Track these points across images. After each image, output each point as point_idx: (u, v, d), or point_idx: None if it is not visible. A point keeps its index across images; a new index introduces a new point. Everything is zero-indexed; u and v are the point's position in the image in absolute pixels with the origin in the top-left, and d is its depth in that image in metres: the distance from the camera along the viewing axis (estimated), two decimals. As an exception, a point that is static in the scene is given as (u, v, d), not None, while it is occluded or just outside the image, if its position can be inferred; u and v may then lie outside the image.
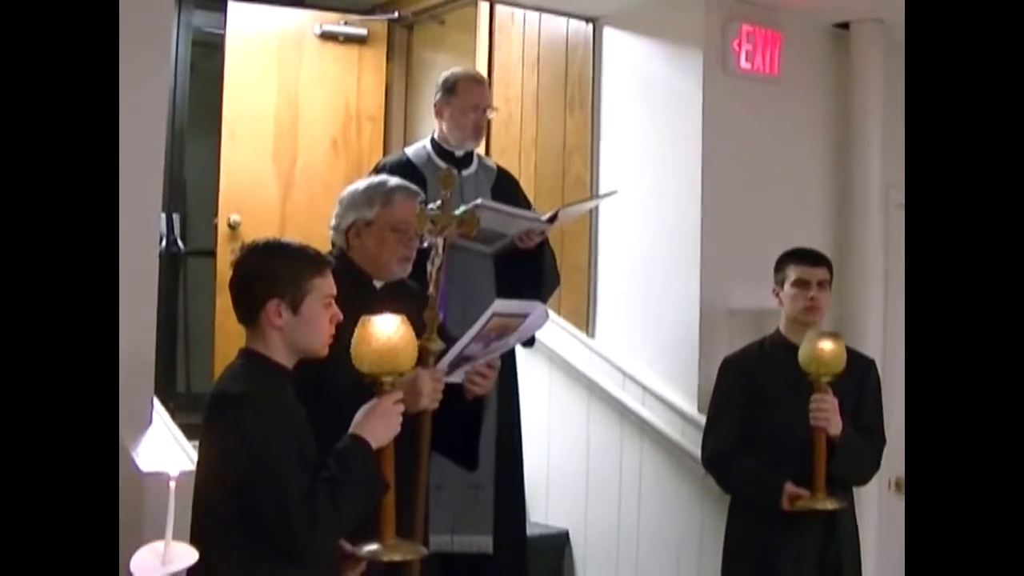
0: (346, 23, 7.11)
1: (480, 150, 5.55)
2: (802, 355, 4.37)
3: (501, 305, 3.58)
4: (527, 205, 5.13)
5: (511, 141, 6.43)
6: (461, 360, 3.65)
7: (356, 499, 3.10)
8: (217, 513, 3.07)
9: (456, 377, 3.71)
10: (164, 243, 6.50)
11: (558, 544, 5.93)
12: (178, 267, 6.94)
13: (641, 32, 5.86)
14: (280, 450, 3.01)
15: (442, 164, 4.90)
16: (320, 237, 4.15)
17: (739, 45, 5.59)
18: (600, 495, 5.82)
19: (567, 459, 5.98)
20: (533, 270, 4.93)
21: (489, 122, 5.30)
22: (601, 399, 5.82)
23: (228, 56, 6.83)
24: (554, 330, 5.81)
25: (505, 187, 5.08)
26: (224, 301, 3.89)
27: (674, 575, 5.46)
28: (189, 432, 4.39)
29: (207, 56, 7.13)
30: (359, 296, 3.55)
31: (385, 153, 6.75)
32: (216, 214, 6.83)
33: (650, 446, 5.58)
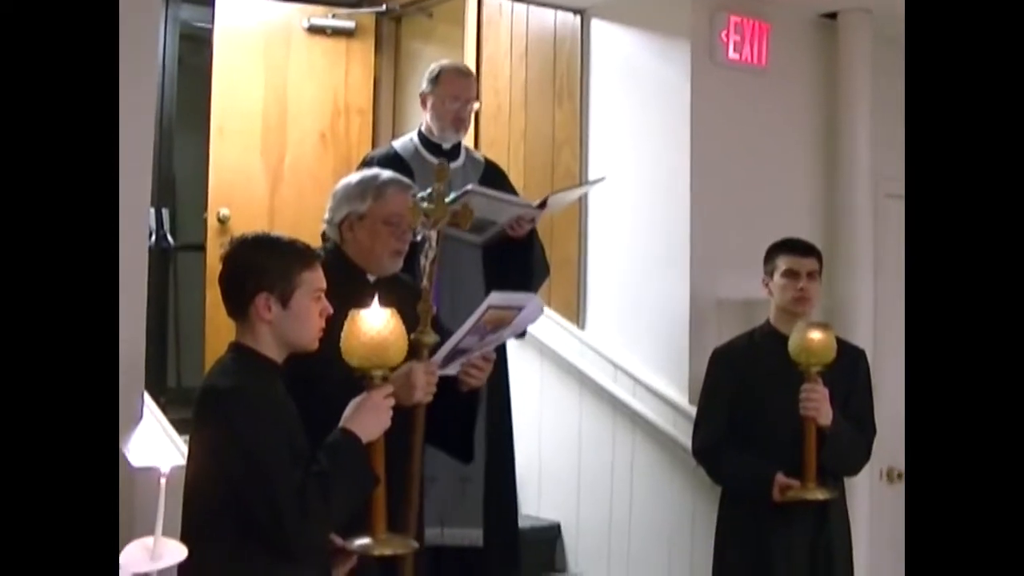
0: (334, 16, 7.10)
1: (469, 143, 5.55)
2: (792, 345, 4.38)
3: (497, 298, 3.57)
4: (516, 197, 5.13)
5: (500, 134, 6.42)
6: (456, 353, 3.65)
7: (346, 494, 3.10)
8: (208, 508, 3.07)
9: (451, 370, 3.71)
10: (154, 238, 6.51)
11: (550, 536, 5.93)
12: (168, 262, 6.94)
13: (629, 23, 5.86)
14: (270, 444, 3.01)
15: (429, 157, 4.91)
16: (309, 231, 4.14)
17: (727, 36, 5.59)
18: (592, 487, 5.83)
19: (558, 451, 5.99)
20: (523, 260, 4.92)
21: (477, 115, 5.29)
22: (592, 391, 5.83)
23: (216, 50, 6.82)
24: (545, 323, 5.81)
25: (493, 179, 5.08)
26: (214, 295, 3.89)
27: (666, 566, 5.47)
28: (180, 427, 4.39)
29: (195, 50, 7.12)
30: (353, 290, 3.54)
31: (374, 146, 6.74)
32: (205, 208, 6.82)
33: (642, 438, 5.59)
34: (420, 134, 5.06)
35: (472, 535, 4.86)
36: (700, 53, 5.57)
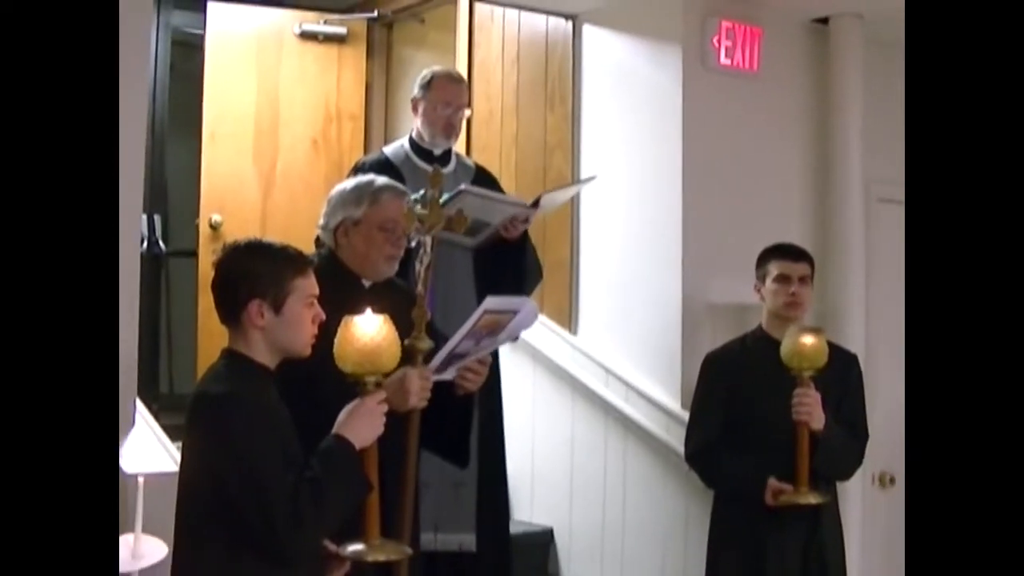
0: (326, 22, 7.11)
1: (461, 148, 5.55)
2: (784, 350, 4.38)
3: (493, 302, 3.58)
4: (507, 203, 5.14)
5: (492, 138, 6.43)
6: (452, 358, 3.65)
7: (339, 500, 3.10)
8: (201, 514, 3.07)
9: (448, 375, 3.71)
10: (146, 244, 6.50)
11: (543, 541, 5.93)
12: (160, 268, 6.94)
13: (620, 29, 5.87)
14: (263, 450, 3.01)
15: (420, 162, 4.92)
16: (301, 237, 4.15)
17: (718, 41, 5.60)
18: (585, 492, 5.83)
19: (551, 456, 5.99)
20: (516, 263, 4.92)
21: (469, 120, 5.29)
22: (585, 396, 5.83)
23: (208, 56, 6.83)
24: (537, 328, 5.79)
25: (483, 184, 5.07)
26: (206, 301, 3.89)
27: (659, 571, 5.47)
28: (173, 433, 4.39)
29: (187, 56, 7.13)
30: (347, 295, 3.55)
31: (366, 152, 6.74)
32: (197, 214, 6.82)
33: (634, 443, 5.59)
34: (411, 140, 5.06)
35: (466, 540, 4.86)
36: (692, 58, 5.57)
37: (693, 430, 4.84)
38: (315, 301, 3.23)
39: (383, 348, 3.15)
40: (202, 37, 6.89)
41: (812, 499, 4.41)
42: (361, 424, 3.14)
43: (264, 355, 3.19)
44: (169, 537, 3.04)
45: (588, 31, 6.04)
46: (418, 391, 3.51)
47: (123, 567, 2.64)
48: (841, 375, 4.71)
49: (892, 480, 6.01)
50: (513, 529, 5.36)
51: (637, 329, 5.66)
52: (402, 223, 3.76)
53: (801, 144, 5.98)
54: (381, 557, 3.25)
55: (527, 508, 6.06)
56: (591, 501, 5.79)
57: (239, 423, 3.01)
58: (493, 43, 6.49)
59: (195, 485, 3.09)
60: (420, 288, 3.62)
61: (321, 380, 3.24)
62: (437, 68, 5.14)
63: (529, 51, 6.31)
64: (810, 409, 4.37)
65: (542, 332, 5.94)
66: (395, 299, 3.62)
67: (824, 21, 5.95)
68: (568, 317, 6.00)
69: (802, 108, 6.00)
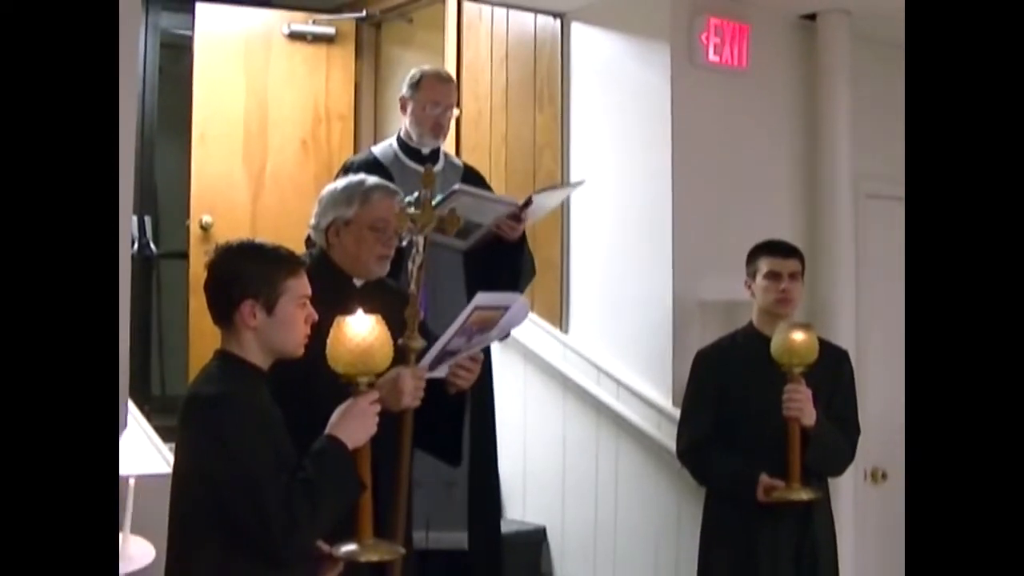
0: (314, 22, 7.10)
1: (451, 148, 5.54)
2: (774, 346, 4.39)
3: (483, 298, 3.58)
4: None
5: (481, 138, 6.43)
6: (444, 355, 3.66)
7: (332, 500, 3.10)
8: (194, 515, 3.07)
9: (440, 372, 3.72)
10: (136, 246, 6.50)
11: (535, 540, 5.93)
12: (151, 270, 6.94)
13: (608, 27, 5.87)
14: (256, 451, 3.01)
15: (409, 162, 4.92)
16: (291, 237, 4.15)
17: (707, 38, 5.60)
18: (576, 491, 5.83)
19: (543, 455, 5.99)
20: (512, 261, 4.92)
21: (458, 120, 5.29)
22: (576, 395, 5.83)
23: (196, 57, 6.82)
24: (528, 326, 5.81)
25: (472, 184, 5.08)
26: (198, 303, 3.89)
27: (652, 569, 5.48)
28: (165, 434, 4.39)
29: (175, 58, 7.13)
30: (339, 295, 3.55)
31: (355, 152, 6.74)
32: (188, 216, 6.82)
33: (626, 441, 5.60)
34: (399, 139, 5.06)
35: (458, 539, 4.87)
36: (680, 55, 5.57)
37: (684, 427, 4.85)
38: (307, 302, 3.24)
39: (375, 348, 3.16)
40: (190, 38, 6.88)
41: (804, 495, 4.42)
42: (354, 424, 3.14)
43: (257, 356, 3.19)
44: (159, 539, 3.03)
45: (576, 29, 6.04)
46: (412, 391, 3.52)
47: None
48: (832, 371, 4.72)
49: (884, 476, 6.02)
50: (505, 528, 5.36)
51: (628, 327, 5.67)
52: (393, 223, 3.77)
53: (790, 140, 5.99)
54: (375, 557, 3.26)
55: (519, 507, 6.06)
56: (583, 499, 5.80)
57: (232, 424, 3.02)
58: (481, 42, 6.49)
59: (188, 486, 3.10)
60: (412, 287, 3.62)
61: (314, 380, 3.24)
62: (426, 67, 5.14)
63: (517, 50, 6.31)
64: (801, 405, 4.37)
65: (533, 331, 5.94)
66: (386, 299, 3.62)
67: (812, 17, 5.95)
68: (559, 315, 6.00)
69: (791, 105, 6.00)
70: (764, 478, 4.47)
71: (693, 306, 5.51)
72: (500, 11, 6.34)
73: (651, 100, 5.61)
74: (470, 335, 3.65)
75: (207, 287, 3.23)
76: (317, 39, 7.10)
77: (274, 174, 6.96)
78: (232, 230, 6.19)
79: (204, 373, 3.21)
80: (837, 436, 4.63)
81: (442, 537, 4.84)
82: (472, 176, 5.18)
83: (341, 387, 3.18)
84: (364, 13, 7.13)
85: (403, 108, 5.05)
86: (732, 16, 5.68)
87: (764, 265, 4.76)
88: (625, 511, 5.61)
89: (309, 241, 4.11)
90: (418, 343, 3.56)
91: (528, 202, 4.77)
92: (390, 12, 7.11)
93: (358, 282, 3.86)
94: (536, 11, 6.14)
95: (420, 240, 3.67)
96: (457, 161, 5.31)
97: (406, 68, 5.51)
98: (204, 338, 5.40)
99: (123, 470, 4.00)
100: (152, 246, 6.84)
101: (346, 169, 4.82)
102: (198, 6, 6.83)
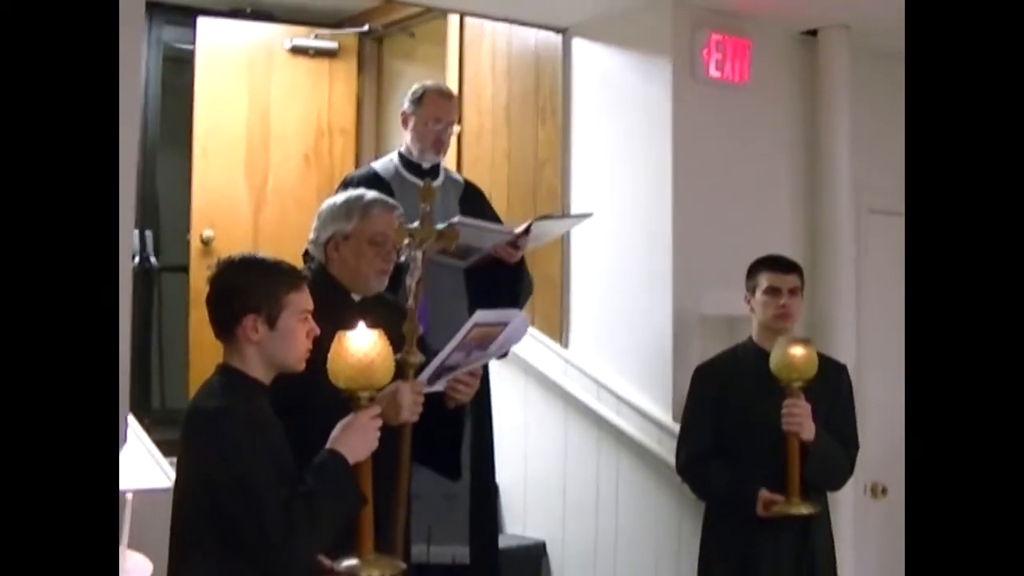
0: (316, 37, 7.12)
1: (452, 163, 5.55)
2: (774, 361, 4.39)
3: (483, 315, 3.59)
4: (495, 217, 5.13)
5: (483, 153, 6.44)
6: (443, 370, 3.67)
7: (333, 514, 3.10)
8: (195, 529, 3.08)
9: (438, 386, 3.72)
10: (137, 259, 6.51)
11: (535, 555, 5.92)
12: (152, 283, 6.93)
13: (610, 42, 5.88)
14: (257, 465, 3.02)
15: (410, 177, 4.93)
16: (293, 252, 4.15)
17: (708, 53, 5.60)
18: (577, 505, 5.83)
19: (544, 470, 5.99)
20: (511, 280, 4.92)
21: (459, 136, 5.29)
22: (577, 409, 5.83)
23: (198, 71, 6.84)
24: (528, 341, 5.80)
25: (472, 200, 5.10)
26: (198, 317, 3.90)
27: (652, 583, 5.48)
28: (165, 448, 4.39)
29: (177, 72, 7.13)
30: (338, 310, 3.55)
31: (357, 166, 6.75)
32: (189, 230, 6.83)
33: (626, 455, 5.59)
34: (400, 155, 5.06)
35: (459, 552, 4.86)
36: (681, 70, 5.58)
37: (684, 442, 4.85)
38: (309, 316, 3.24)
39: (377, 363, 3.16)
40: (192, 52, 6.90)
41: (803, 510, 4.42)
42: (355, 439, 3.15)
43: (258, 370, 3.20)
44: (156, 554, 3.02)
45: (578, 44, 6.05)
46: (410, 405, 3.53)
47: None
48: (831, 385, 4.72)
49: (884, 491, 6.02)
50: (506, 543, 5.36)
51: (628, 341, 5.67)
52: (392, 237, 3.78)
53: (791, 155, 5.99)
54: (375, 572, 3.25)
55: (520, 521, 6.06)
56: (584, 514, 5.79)
57: (233, 438, 3.02)
58: (483, 57, 6.50)
59: (190, 499, 3.10)
60: (411, 302, 3.63)
61: (315, 394, 3.24)
62: (428, 83, 5.15)
63: (519, 65, 6.32)
64: (800, 420, 4.38)
65: (533, 346, 5.94)
66: (385, 313, 3.62)
67: (813, 33, 5.96)
68: (559, 330, 6.00)
69: (792, 120, 6.00)
70: (764, 493, 4.47)
71: (693, 321, 5.51)
72: (502, 26, 6.34)
73: (652, 115, 5.61)
74: (469, 351, 3.66)
75: (209, 301, 3.24)
76: (319, 53, 7.11)
77: (276, 188, 6.97)
78: (233, 244, 6.20)
79: (206, 387, 3.21)
80: (837, 451, 4.64)
81: (443, 551, 4.83)
82: (472, 192, 5.19)
83: (342, 401, 3.18)
84: (366, 28, 7.15)
85: (405, 123, 5.06)
86: (733, 32, 5.69)
87: (764, 280, 4.77)
88: (625, 526, 5.60)
89: (307, 256, 4.11)
90: (416, 358, 3.57)
91: (527, 230, 4.77)
92: (392, 27, 7.12)
93: (356, 297, 3.86)
94: (538, 26, 6.14)
95: (418, 255, 3.68)
96: (457, 177, 5.31)
97: (408, 83, 5.52)
98: (204, 352, 5.40)
99: (123, 484, 4.00)
100: (153, 259, 6.84)
101: (346, 184, 4.83)
102: (200, 20, 6.85)
